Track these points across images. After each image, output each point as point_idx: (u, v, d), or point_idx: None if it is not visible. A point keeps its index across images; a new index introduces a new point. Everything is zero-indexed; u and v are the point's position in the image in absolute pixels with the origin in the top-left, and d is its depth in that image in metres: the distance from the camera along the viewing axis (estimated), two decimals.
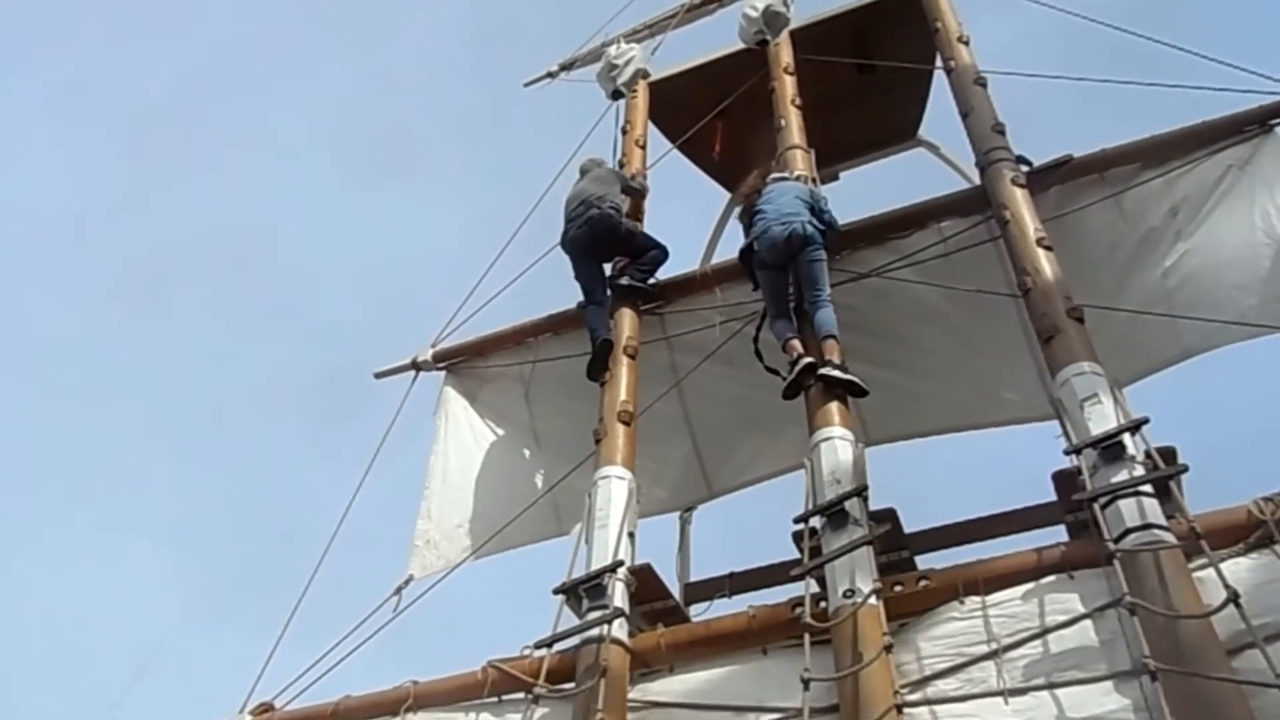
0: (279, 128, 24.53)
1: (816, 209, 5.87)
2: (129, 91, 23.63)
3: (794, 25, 7.88)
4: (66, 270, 22.62)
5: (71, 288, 22.63)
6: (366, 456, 6.78)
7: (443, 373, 7.33)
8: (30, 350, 20.79)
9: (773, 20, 7.73)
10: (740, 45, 7.95)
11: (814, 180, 6.51)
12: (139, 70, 23.75)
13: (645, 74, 8.21)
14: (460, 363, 7.29)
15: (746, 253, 5.97)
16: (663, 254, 6.68)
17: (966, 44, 6.85)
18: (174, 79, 23.98)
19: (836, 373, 5.25)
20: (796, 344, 5.45)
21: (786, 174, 6.37)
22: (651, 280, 6.57)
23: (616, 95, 8.05)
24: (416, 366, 7.27)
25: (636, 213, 7.08)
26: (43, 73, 23.11)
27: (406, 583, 6.39)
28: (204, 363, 21.59)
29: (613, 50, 8.27)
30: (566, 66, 9.17)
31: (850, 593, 4.22)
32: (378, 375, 7.47)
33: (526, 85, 9.46)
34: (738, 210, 6.33)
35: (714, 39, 8.58)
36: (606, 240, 6.57)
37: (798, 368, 5.28)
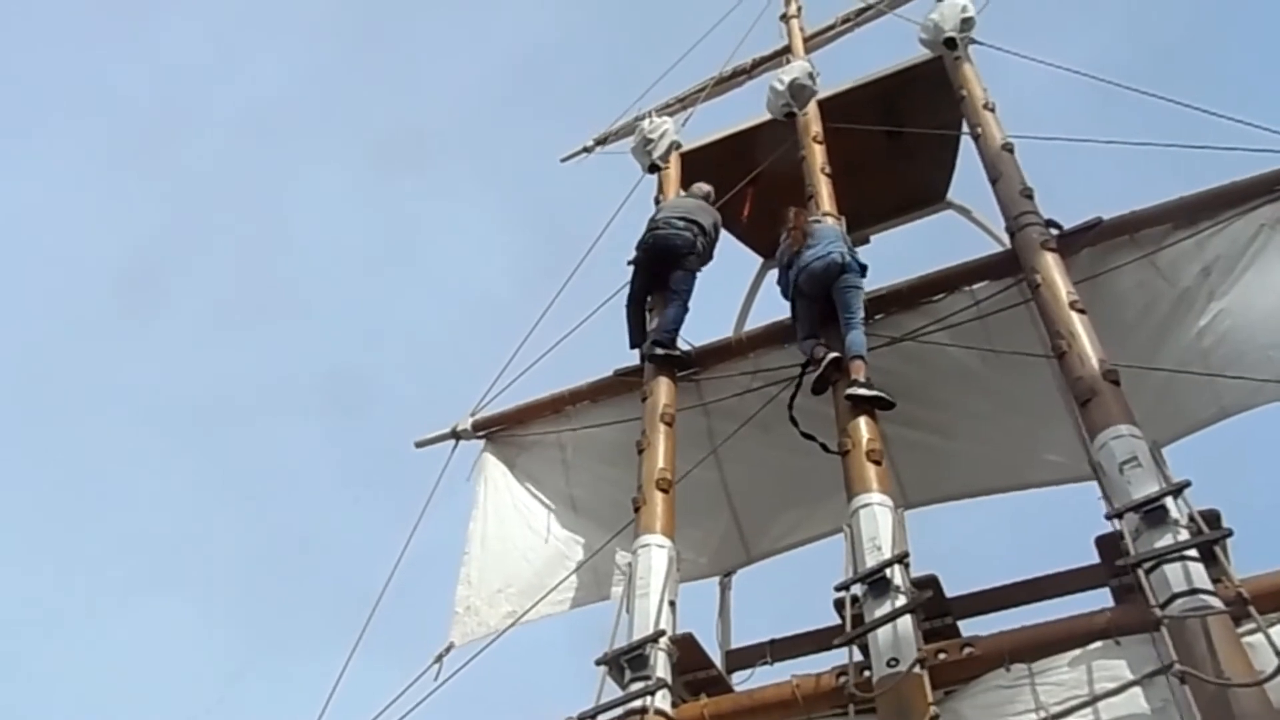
0: (309, 160, 25.24)
1: (851, 249, 6.25)
2: (148, 109, 24.39)
3: (822, 94, 8.03)
4: (77, 289, 23.16)
5: (83, 308, 23.15)
6: (398, 497, 6.92)
7: (481, 439, 7.44)
8: (36, 369, 21.13)
9: (799, 93, 7.89)
10: (768, 116, 8.12)
11: None
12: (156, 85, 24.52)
13: (678, 145, 8.39)
14: (499, 431, 7.40)
15: (786, 288, 6.32)
16: (683, 311, 6.81)
17: (992, 110, 6.96)
18: (206, 112, 24.73)
19: (863, 391, 5.48)
20: (821, 347, 5.78)
21: (819, 217, 6.67)
22: (677, 340, 6.67)
23: (653, 169, 8.23)
24: (456, 435, 7.38)
25: None
26: (60, 85, 23.86)
27: (447, 650, 6.42)
28: (223, 386, 21.87)
29: (646, 124, 8.46)
30: (601, 141, 9.43)
31: (894, 661, 4.21)
32: (418, 444, 7.57)
33: (563, 161, 9.74)
34: (781, 248, 6.51)
35: (744, 109, 8.78)
36: (670, 258, 6.93)
37: (824, 362, 5.64)
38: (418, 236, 24.98)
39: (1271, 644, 3.64)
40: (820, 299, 6.04)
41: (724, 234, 8.46)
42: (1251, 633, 3.82)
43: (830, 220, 6.79)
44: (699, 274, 7.10)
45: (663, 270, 6.94)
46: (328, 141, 25.50)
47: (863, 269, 6.20)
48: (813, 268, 6.04)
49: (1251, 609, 3.85)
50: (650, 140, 8.25)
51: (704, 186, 7.71)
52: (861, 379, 5.55)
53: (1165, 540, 4.10)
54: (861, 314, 5.93)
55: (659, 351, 6.55)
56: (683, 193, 7.72)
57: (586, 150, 9.56)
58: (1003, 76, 7.80)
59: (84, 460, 20.26)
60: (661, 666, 4.80)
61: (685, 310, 6.81)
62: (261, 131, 24.61)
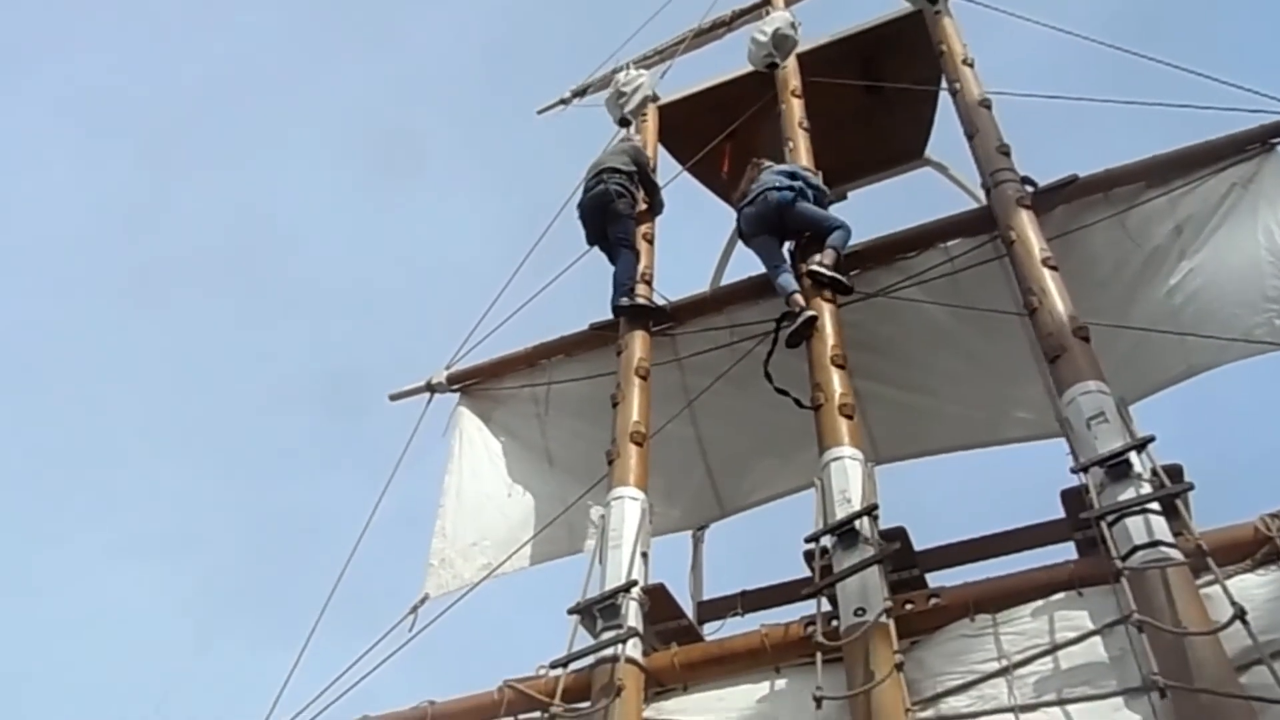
0: (291, 134, 24.88)
1: (802, 178, 6.33)
2: (140, 97, 23.99)
3: (801, 48, 7.98)
4: (75, 276, 22.91)
5: (80, 293, 22.90)
6: (376, 463, 6.92)
7: (456, 394, 7.44)
8: (36, 358, 20.94)
9: (781, 43, 7.84)
10: (747, 68, 8.06)
11: None
12: (151, 76, 24.15)
13: (655, 98, 8.33)
14: (474, 384, 7.38)
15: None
16: (632, 258, 6.83)
17: (971, 66, 6.92)
18: (185, 86, 24.29)
19: (823, 270, 5.68)
20: (799, 298, 5.80)
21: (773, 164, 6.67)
22: (636, 289, 6.66)
23: (624, 123, 8.17)
24: (431, 389, 7.36)
25: (650, 213, 7.31)
26: (54, 77, 23.45)
27: (422, 602, 6.46)
28: (212, 369, 21.74)
29: (621, 77, 8.39)
30: (579, 93, 9.33)
31: (861, 611, 4.27)
32: (392, 397, 7.55)
33: (540, 112, 9.64)
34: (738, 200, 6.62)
35: (722, 63, 8.70)
36: (603, 215, 6.97)
37: (800, 319, 5.62)
38: (398, 198, 24.70)
39: (1228, 594, 3.70)
40: (766, 234, 6.22)
41: (701, 189, 8.48)
42: (1209, 584, 3.89)
43: None
44: (659, 210, 7.34)
45: (604, 230, 6.99)
46: (297, 110, 25.05)
47: (813, 193, 6.31)
48: (748, 211, 6.26)
49: (1210, 561, 3.91)
50: (624, 94, 8.19)
51: (624, 130, 7.96)
52: (827, 261, 5.76)
53: (1128, 494, 4.15)
54: (832, 217, 6.14)
55: (623, 302, 6.57)
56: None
57: (564, 102, 9.45)
58: (986, 33, 7.76)
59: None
60: (633, 616, 4.85)
61: (636, 255, 6.84)
62: (230, 98, 24.18)
